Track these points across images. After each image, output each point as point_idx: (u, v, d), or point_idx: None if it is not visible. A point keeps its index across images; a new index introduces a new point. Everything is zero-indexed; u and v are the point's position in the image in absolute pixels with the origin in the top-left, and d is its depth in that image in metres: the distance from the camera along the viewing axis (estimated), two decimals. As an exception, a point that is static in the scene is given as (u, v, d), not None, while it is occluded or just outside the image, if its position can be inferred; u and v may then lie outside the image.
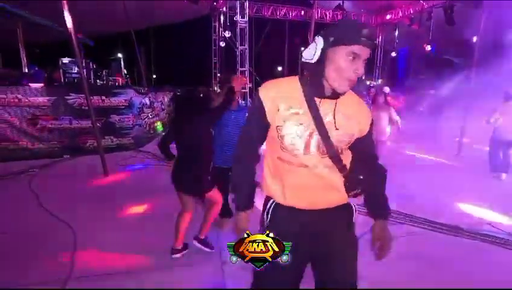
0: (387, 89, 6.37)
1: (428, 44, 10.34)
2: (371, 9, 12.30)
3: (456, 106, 6.81)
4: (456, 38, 9.64)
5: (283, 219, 1.21)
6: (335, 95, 1.12)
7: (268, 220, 1.23)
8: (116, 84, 9.06)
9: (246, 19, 10.61)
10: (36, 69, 8.05)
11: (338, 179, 1.18)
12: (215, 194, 2.53)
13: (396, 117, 4.64)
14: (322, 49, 1.05)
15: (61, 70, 7.19)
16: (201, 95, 2.59)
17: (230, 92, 2.57)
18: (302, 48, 16.38)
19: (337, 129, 1.13)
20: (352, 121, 1.16)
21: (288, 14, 12.15)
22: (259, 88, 1.18)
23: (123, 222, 3.25)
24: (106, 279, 2.24)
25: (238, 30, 10.63)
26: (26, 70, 8.24)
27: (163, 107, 9.38)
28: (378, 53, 13.51)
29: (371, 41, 1.02)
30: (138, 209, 3.59)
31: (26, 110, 5.93)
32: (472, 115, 6.21)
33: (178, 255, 2.49)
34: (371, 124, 1.22)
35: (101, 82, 8.61)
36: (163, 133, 2.78)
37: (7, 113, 5.79)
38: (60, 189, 4.29)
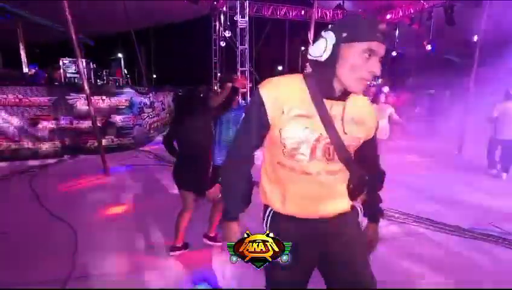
0: (387, 89, 6.36)
1: (428, 43, 10.34)
2: (371, 9, 12.29)
3: (456, 106, 6.81)
4: (456, 38, 9.64)
5: (283, 230, 1.11)
6: (344, 97, 1.04)
7: (267, 229, 1.16)
8: (117, 84, 9.08)
9: (246, 18, 10.63)
10: (37, 69, 8.07)
11: (342, 187, 1.12)
12: (217, 192, 2.53)
13: (396, 117, 4.65)
14: (334, 46, 0.95)
15: (61, 70, 7.21)
16: (202, 95, 2.60)
17: (233, 92, 2.59)
18: (303, 48, 16.42)
19: (345, 134, 1.05)
20: (360, 125, 1.09)
21: (288, 13, 12.15)
22: (260, 86, 1.06)
23: (123, 222, 3.25)
24: (106, 279, 2.24)
25: (238, 30, 10.65)
26: (26, 71, 8.25)
27: (163, 107, 9.39)
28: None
29: (385, 38, 0.94)
30: (138, 209, 3.59)
31: (27, 110, 5.94)
32: (472, 114, 6.21)
33: (176, 253, 2.50)
34: (377, 127, 1.19)
35: (102, 82, 8.63)
36: (166, 132, 2.80)
37: (8, 113, 5.80)
38: (60, 189, 4.30)
